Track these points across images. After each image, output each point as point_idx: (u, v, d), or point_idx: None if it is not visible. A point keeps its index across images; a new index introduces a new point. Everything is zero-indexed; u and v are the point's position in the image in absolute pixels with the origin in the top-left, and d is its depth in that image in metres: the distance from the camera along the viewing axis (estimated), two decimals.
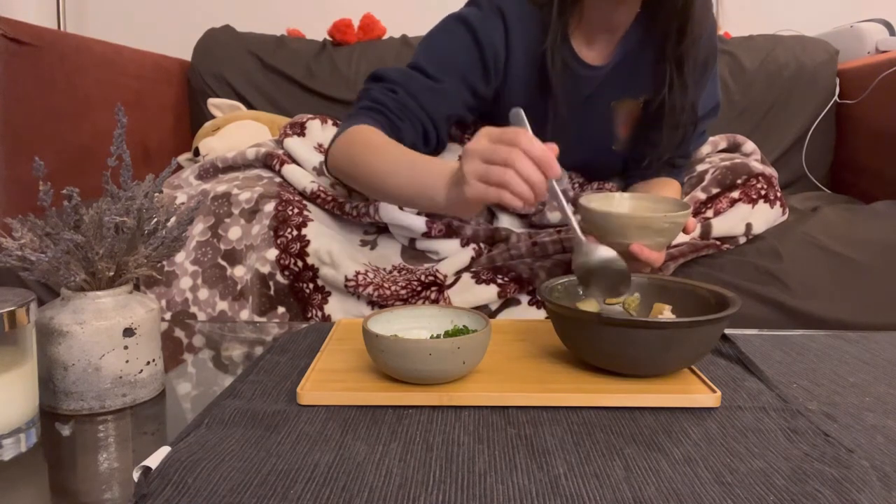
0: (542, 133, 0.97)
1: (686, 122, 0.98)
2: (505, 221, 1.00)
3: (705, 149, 1.13)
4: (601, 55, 0.97)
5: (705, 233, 0.96)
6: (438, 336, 0.62)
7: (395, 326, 0.62)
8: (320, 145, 1.15)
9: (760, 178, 1.01)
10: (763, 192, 1.00)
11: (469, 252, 0.93)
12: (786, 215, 1.06)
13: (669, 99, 0.95)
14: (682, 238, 0.94)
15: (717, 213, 0.99)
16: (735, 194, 1.00)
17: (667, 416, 0.54)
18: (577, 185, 1.07)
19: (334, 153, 0.93)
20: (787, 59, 1.64)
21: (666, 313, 0.66)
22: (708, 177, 1.03)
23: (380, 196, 0.90)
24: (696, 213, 0.98)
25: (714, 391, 0.56)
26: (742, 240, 0.99)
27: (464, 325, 0.63)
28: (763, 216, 1.00)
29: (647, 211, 0.83)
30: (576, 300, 0.69)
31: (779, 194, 1.03)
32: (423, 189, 0.79)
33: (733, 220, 0.98)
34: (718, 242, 0.97)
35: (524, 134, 0.67)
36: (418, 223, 0.95)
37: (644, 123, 1.01)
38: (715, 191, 1.01)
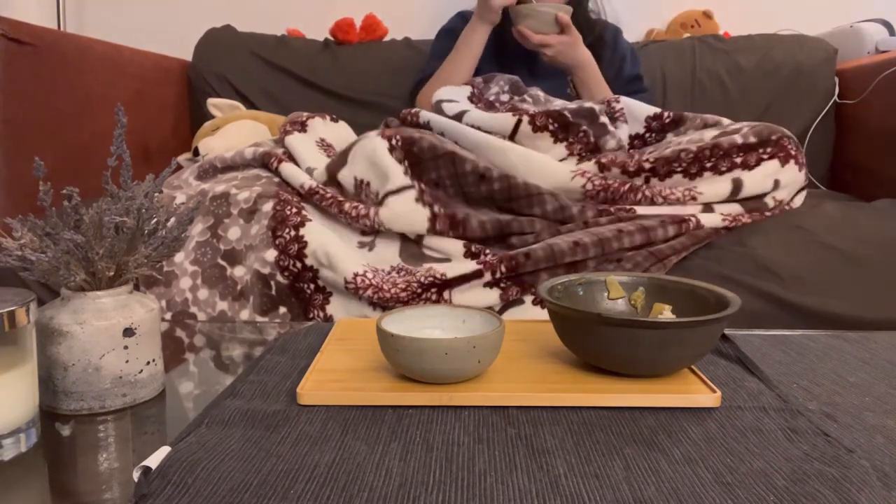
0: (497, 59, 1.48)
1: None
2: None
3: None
4: None
5: (735, 189, 0.99)
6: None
7: (406, 326, 0.62)
8: (322, 140, 1.14)
9: (790, 140, 1.04)
10: (793, 153, 1.03)
11: (472, 265, 0.89)
12: (805, 181, 1.09)
13: None
14: (681, 210, 0.97)
15: (745, 167, 1.00)
16: (767, 150, 1.02)
17: (667, 416, 0.54)
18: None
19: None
20: (786, 59, 1.64)
21: (666, 313, 0.66)
22: (745, 129, 1.04)
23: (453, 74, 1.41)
24: (725, 155, 1.01)
25: (714, 391, 0.56)
26: (770, 202, 1.01)
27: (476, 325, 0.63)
28: (791, 175, 1.03)
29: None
30: (576, 300, 0.69)
31: (803, 159, 1.06)
32: (463, 38, 1.41)
33: (762, 176, 1.00)
34: (717, 229, 0.98)
35: None
36: (420, 217, 0.93)
37: None
38: (753, 140, 1.02)
